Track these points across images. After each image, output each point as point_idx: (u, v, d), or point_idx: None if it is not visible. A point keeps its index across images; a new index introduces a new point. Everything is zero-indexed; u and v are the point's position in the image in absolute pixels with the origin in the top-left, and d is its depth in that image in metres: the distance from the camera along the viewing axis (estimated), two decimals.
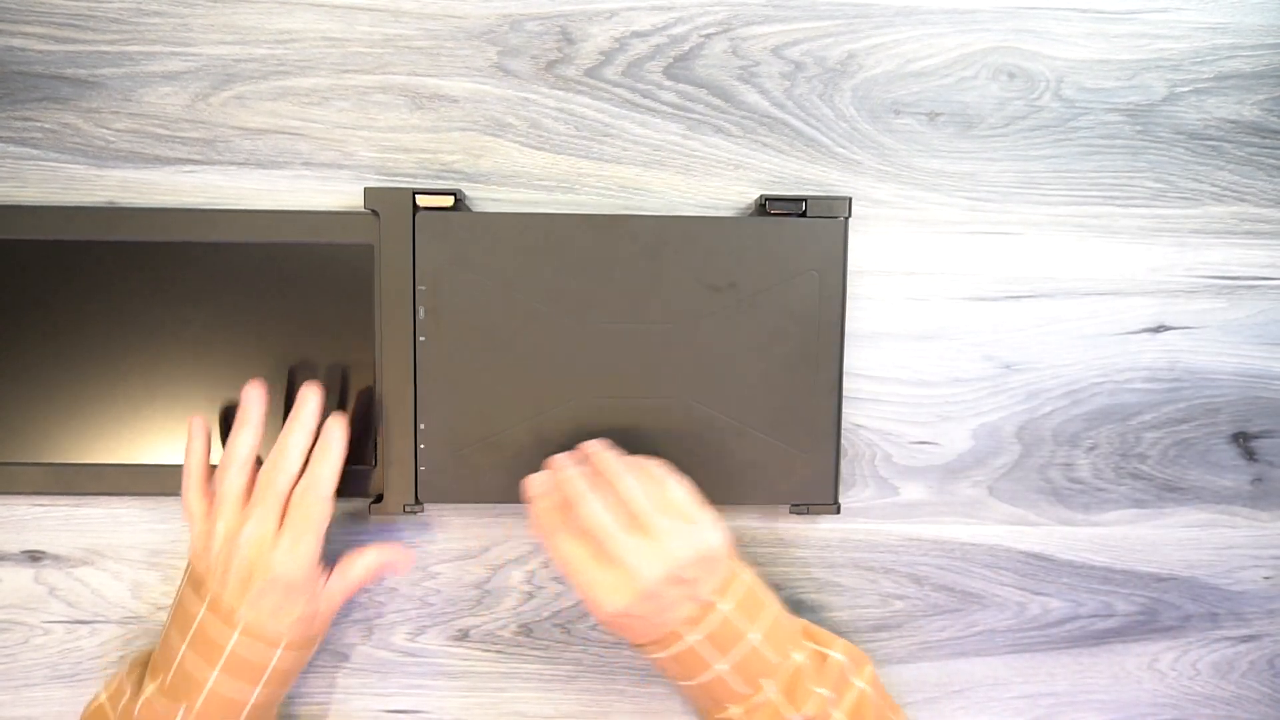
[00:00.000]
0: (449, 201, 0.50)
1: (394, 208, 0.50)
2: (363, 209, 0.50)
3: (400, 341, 0.50)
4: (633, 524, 0.44)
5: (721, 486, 0.51)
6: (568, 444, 0.50)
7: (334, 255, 0.51)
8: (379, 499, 0.51)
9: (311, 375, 0.51)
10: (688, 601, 0.44)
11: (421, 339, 0.50)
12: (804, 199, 0.51)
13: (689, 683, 0.46)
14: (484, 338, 0.50)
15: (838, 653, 0.47)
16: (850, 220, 0.51)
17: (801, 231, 0.51)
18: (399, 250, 0.50)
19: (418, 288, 0.50)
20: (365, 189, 0.50)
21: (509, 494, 0.51)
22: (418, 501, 0.51)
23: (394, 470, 0.51)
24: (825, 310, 0.51)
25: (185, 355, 0.51)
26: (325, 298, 0.51)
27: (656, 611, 0.44)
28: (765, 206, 0.51)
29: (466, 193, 0.53)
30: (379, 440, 0.51)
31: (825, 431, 0.52)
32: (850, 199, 0.51)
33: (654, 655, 0.46)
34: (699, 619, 0.45)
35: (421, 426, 0.51)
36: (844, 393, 0.52)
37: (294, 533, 0.45)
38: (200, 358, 0.51)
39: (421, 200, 0.50)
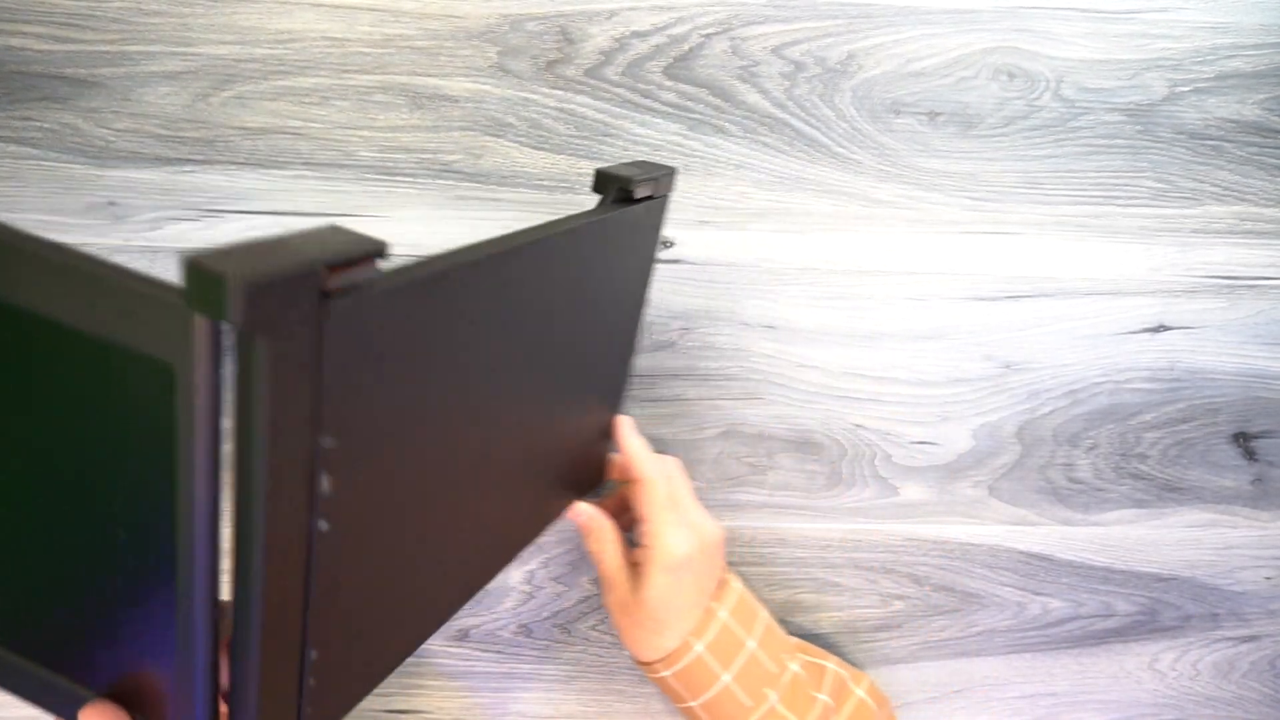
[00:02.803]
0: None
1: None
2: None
3: (284, 520, 0.25)
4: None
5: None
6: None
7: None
8: None
9: None
10: (694, 609, 0.45)
11: (322, 526, 0.26)
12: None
13: (698, 701, 0.46)
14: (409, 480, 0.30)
15: (833, 665, 0.49)
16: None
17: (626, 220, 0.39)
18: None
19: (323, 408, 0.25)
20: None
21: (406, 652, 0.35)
22: None
23: None
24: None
25: None
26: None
27: (692, 583, 0.45)
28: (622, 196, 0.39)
29: (464, 194, 0.52)
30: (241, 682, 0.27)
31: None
32: (674, 170, 0.43)
33: (662, 673, 0.46)
34: (703, 628, 0.45)
35: (313, 655, 0.29)
36: (843, 393, 0.52)
37: None
38: None
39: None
